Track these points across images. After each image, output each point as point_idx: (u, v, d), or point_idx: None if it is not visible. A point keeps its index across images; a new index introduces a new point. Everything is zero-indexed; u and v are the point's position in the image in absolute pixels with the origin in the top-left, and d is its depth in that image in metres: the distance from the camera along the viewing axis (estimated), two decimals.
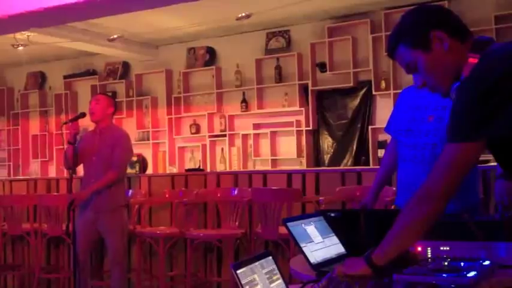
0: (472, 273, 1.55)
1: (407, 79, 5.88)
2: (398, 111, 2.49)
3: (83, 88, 7.94)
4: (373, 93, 6.21)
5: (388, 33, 6.34)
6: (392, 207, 2.57)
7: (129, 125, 7.40)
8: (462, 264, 1.68)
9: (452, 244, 1.81)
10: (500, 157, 1.44)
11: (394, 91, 6.04)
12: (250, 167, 6.78)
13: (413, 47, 1.50)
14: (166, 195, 4.85)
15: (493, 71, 1.34)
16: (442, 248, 1.82)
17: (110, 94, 7.70)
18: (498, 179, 2.18)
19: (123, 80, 7.72)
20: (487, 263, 1.68)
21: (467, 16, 4.80)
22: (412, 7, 1.59)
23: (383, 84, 6.14)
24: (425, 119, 2.34)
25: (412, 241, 1.55)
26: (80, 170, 4.28)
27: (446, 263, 1.70)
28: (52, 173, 8.05)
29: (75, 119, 4.12)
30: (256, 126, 6.87)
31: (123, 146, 4.09)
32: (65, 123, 4.25)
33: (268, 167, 6.59)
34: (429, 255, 1.83)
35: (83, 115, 4.16)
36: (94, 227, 4.06)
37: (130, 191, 4.95)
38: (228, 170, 6.70)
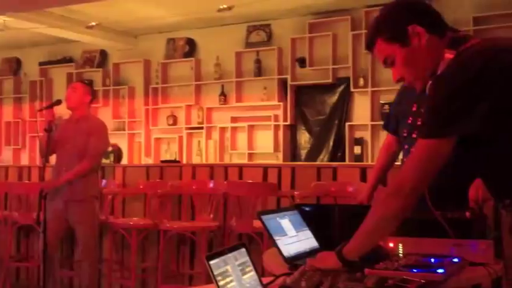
0: (441, 270, 1.57)
1: (386, 77, 5.93)
2: (402, 110, 2.46)
3: (59, 75, 7.82)
4: (351, 90, 6.25)
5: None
6: None
7: (105, 115, 7.31)
8: (432, 260, 1.70)
9: (424, 240, 1.83)
10: (471, 155, 1.45)
11: (372, 88, 6.09)
12: (226, 160, 6.77)
13: (391, 41, 1.51)
14: (141, 186, 4.80)
15: (466, 68, 1.35)
16: (413, 244, 1.84)
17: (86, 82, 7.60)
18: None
19: (100, 69, 7.63)
20: (456, 259, 1.71)
21: (446, 17, 4.84)
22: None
23: (361, 82, 6.18)
24: None
25: (382, 236, 1.56)
26: (53, 158, 4.21)
27: (417, 259, 1.72)
28: (24, 160, 7.92)
29: (51, 106, 4.05)
30: (234, 119, 6.85)
31: (99, 136, 4.04)
32: (40, 110, 4.17)
33: (245, 161, 6.59)
34: (400, 251, 1.85)
35: (59, 102, 4.09)
36: (64, 216, 4.00)
37: (104, 181, 4.89)
38: (204, 162, 6.67)
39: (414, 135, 2.34)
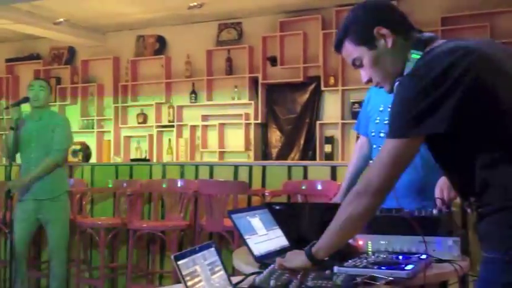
0: (409, 267, 1.59)
1: (356, 76, 5.98)
2: (370, 111, 2.49)
3: (26, 72, 7.66)
4: (322, 88, 6.29)
5: None
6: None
7: (73, 113, 7.20)
8: (400, 257, 1.72)
9: (392, 238, 1.85)
10: (437, 154, 1.47)
11: (343, 87, 6.14)
12: (197, 159, 6.74)
13: (358, 44, 1.53)
14: (110, 185, 4.74)
15: (432, 68, 1.36)
16: (381, 242, 1.86)
17: (54, 80, 7.46)
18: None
19: (68, 66, 7.50)
20: (424, 256, 1.73)
21: (415, 17, 4.92)
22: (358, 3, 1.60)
23: (332, 81, 6.22)
24: None
25: (350, 235, 1.57)
26: (19, 156, 4.12)
27: (385, 256, 1.74)
28: None
29: (18, 104, 3.97)
30: (205, 117, 6.83)
31: (63, 132, 3.99)
32: (7, 108, 4.08)
33: (216, 159, 6.57)
34: (369, 249, 1.87)
35: (27, 100, 4.00)
36: (35, 216, 3.93)
37: (72, 180, 4.81)
38: (174, 161, 6.63)
39: (382, 135, 2.37)
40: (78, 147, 5.85)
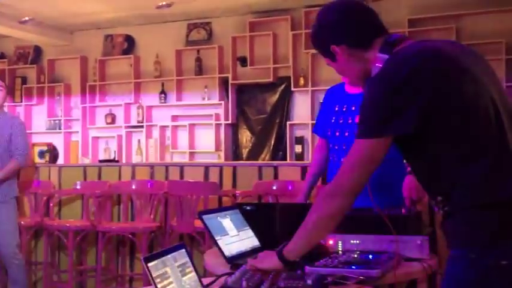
0: (378, 266, 1.60)
1: (326, 77, 6.03)
2: (326, 112, 2.55)
3: None
4: (292, 89, 6.31)
5: (308, 30, 6.44)
6: None
7: (40, 113, 7.06)
8: (370, 256, 1.74)
9: (362, 237, 1.87)
10: (406, 154, 1.49)
11: (312, 88, 6.17)
12: (167, 160, 6.68)
13: (323, 55, 1.64)
14: (78, 187, 4.67)
15: (399, 69, 1.38)
16: (352, 242, 1.88)
17: (20, 79, 7.30)
18: (408, 174, 2.27)
19: (35, 65, 7.34)
20: (393, 256, 1.75)
21: (382, 18, 4.98)
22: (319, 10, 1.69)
23: (301, 81, 6.25)
24: (347, 118, 2.42)
25: (321, 236, 1.58)
26: None
27: (355, 256, 1.76)
28: None
29: None
30: (175, 118, 6.77)
31: (23, 134, 3.92)
32: None
33: (186, 160, 6.53)
34: (340, 248, 1.88)
35: None
36: None
37: (39, 182, 4.72)
38: (144, 162, 6.56)
39: (337, 134, 2.44)
40: (45, 148, 5.74)
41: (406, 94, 1.34)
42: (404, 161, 1.53)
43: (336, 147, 2.48)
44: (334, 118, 2.48)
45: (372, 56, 1.50)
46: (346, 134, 2.42)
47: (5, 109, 4.14)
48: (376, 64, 1.46)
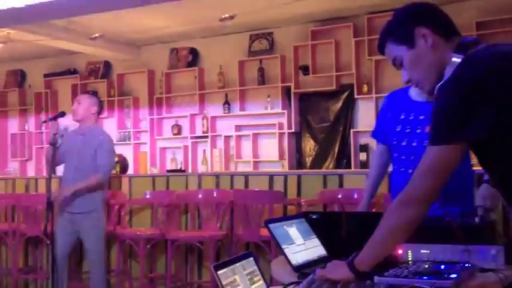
0: (451, 276, 1.56)
1: (390, 83, 5.93)
2: (389, 119, 2.47)
3: (64, 87, 7.85)
4: (355, 96, 6.25)
5: (371, 37, 6.35)
6: None
7: (110, 125, 7.33)
8: (442, 267, 1.69)
9: (433, 247, 1.82)
10: (482, 160, 1.45)
11: (376, 95, 6.08)
12: (232, 169, 6.77)
13: (398, 43, 1.54)
14: (147, 196, 4.81)
15: (474, 72, 1.34)
16: (422, 251, 1.83)
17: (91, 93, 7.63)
18: (483, 183, 2.18)
19: (105, 80, 7.66)
20: (466, 266, 1.70)
21: None
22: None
23: (365, 88, 6.18)
24: (415, 128, 2.33)
25: (393, 246, 1.55)
26: (60, 169, 4.22)
27: (426, 266, 1.71)
28: (31, 172, 7.94)
29: (54, 118, 4.06)
30: (238, 127, 6.86)
31: (108, 149, 4.05)
32: (45, 122, 4.17)
33: (250, 169, 6.59)
34: (410, 258, 1.84)
35: (63, 114, 4.11)
36: (71, 228, 4.01)
37: (111, 192, 4.90)
38: (209, 171, 6.68)
39: (404, 143, 2.35)
40: (116, 159, 5.96)
41: (481, 96, 1.30)
42: (481, 168, 1.48)
43: (403, 157, 2.39)
44: (400, 127, 2.39)
45: (447, 52, 1.46)
46: (414, 144, 2.33)
47: (97, 123, 4.30)
48: (448, 66, 1.42)
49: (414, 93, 2.38)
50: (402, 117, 2.39)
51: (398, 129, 2.39)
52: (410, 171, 2.30)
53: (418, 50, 1.49)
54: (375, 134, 2.61)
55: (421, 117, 2.31)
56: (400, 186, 2.37)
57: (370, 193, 2.59)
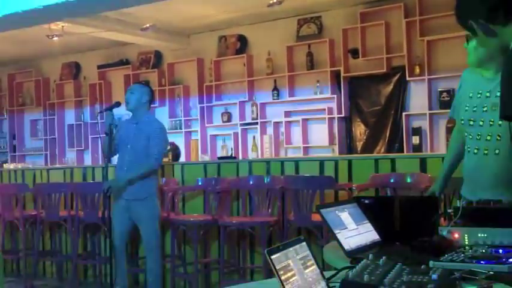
0: (510, 260, 1.51)
1: (443, 64, 5.77)
2: (461, 96, 2.38)
3: (117, 78, 8.05)
4: (407, 79, 6.11)
5: (423, 17, 6.18)
6: (460, 198, 2.44)
7: (162, 114, 7.47)
8: (500, 251, 1.65)
9: (491, 231, 1.77)
10: None
11: (429, 76, 5.94)
12: (282, 155, 6.78)
13: (465, 27, 1.70)
14: (199, 183, 4.88)
15: None
16: (479, 235, 1.79)
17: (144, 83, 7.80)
18: None
19: (156, 69, 7.79)
20: None
21: None
22: None
23: (417, 70, 6.04)
24: (488, 107, 2.23)
25: None
26: (115, 158, 4.35)
27: (484, 250, 1.67)
28: (88, 161, 8.21)
29: (110, 109, 4.18)
30: (288, 113, 6.85)
31: (160, 138, 4.14)
32: (100, 112, 4.30)
33: (300, 155, 6.58)
34: (466, 242, 1.80)
35: (118, 104, 4.22)
36: (127, 214, 4.13)
37: (164, 179, 5.01)
38: (260, 157, 6.71)
39: (471, 123, 2.26)
40: (168, 147, 6.07)
41: None
42: None
43: (471, 137, 2.30)
44: (468, 106, 2.30)
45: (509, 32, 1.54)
46: (481, 123, 2.24)
47: (150, 112, 4.41)
48: None
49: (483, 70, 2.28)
50: (470, 95, 2.29)
51: (466, 109, 2.30)
52: (475, 150, 2.24)
53: (480, 38, 1.72)
54: (452, 112, 2.50)
55: (488, 93, 2.22)
56: (465, 167, 2.30)
57: (445, 173, 2.50)
